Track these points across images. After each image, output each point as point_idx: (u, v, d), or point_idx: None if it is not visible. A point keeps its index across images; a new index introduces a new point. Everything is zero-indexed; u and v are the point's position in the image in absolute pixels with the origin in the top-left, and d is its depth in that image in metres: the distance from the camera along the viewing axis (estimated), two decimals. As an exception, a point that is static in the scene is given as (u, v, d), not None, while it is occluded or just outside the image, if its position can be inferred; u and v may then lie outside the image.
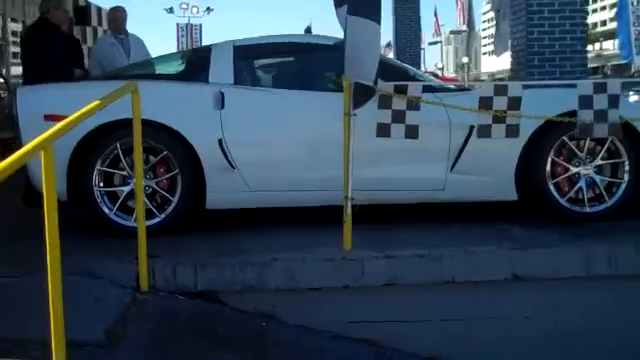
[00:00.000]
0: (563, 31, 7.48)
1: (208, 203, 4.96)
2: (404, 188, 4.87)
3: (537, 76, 7.50)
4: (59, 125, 3.12)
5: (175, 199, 4.93)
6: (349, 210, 4.22)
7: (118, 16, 6.96)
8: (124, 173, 4.95)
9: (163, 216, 4.93)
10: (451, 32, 53.32)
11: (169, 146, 4.87)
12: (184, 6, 33.77)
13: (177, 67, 5.59)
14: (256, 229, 5.00)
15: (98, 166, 4.88)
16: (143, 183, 4.29)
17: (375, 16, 3.90)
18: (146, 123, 4.82)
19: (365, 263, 4.18)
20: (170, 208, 4.94)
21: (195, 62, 5.42)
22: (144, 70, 5.81)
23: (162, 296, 4.17)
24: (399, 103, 4.28)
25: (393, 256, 4.18)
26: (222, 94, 4.93)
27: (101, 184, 4.94)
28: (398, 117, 4.29)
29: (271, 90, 5.11)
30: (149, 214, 4.93)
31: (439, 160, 4.87)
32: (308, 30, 24.83)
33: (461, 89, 5.28)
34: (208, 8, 36.80)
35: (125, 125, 4.77)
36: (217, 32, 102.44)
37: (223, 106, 4.91)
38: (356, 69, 3.98)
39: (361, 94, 4.09)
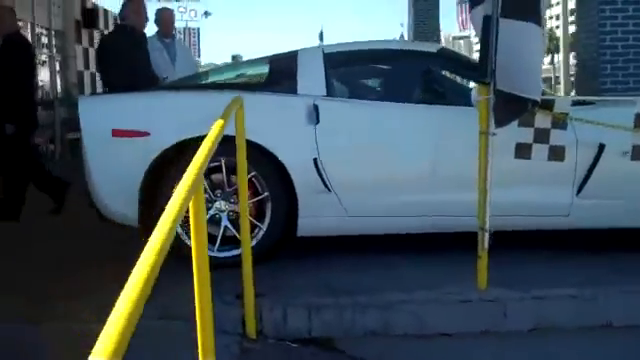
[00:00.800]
0: (638, 38, 7.00)
1: (300, 230, 4.37)
2: (524, 214, 4.32)
3: (609, 85, 7.01)
4: (200, 155, 2.50)
5: (264, 226, 4.34)
6: (486, 243, 3.65)
7: (167, 17, 6.33)
8: (204, 196, 4.35)
9: (252, 244, 4.34)
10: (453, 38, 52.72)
11: (258, 166, 4.28)
12: (182, 9, 32.97)
13: (257, 76, 5.00)
14: (366, 260, 4.39)
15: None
16: (247, 208, 3.70)
17: (534, 17, 3.33)
18: (231, 140, 4.25)
19: (508, 305, 3.62)
20: (258, 236, 4.36)
21: (279, 70, 4.81)
22: (220, 78, 5.22)
23: (272, 344, 3.58)
24: (543, 120, 3.73)
25: (541, 297, 3.63)
26: (316, 107, 4.35)
27: (179, 210, 4.34)
28: (541, 136, 3.75)
29: (371, 103, 4.52)
30: (231, 243, 4.36)
31: (563, 183, 4.33)
32: (321, 35, 24.19)
33: (581, 102, 4.74)
34: (206, 12, 36.03)
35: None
36: (216, 36, 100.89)
37: (318, 121, 4.33)
38: (509, 79, 3.41)
39: (510, 110, 3.51)
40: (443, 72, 4.91)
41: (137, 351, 3.14)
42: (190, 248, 4.24)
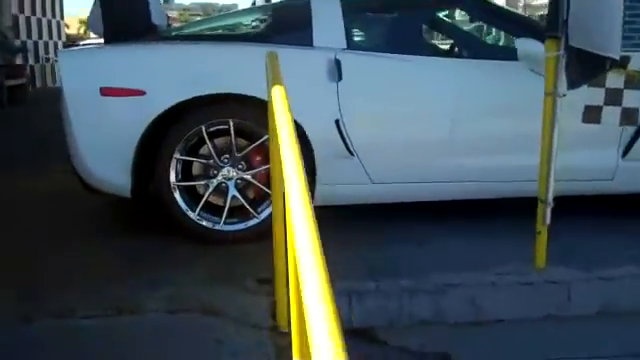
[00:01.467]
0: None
1: (319, 199, 3.84)
2: (567, 178, 3.89)
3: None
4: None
5: (278, 195, 3.81)
6: (547, 218, 3.21)
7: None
8: (209, 162, 3.77)
9: (263, 216, 3.80)
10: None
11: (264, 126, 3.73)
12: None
13: (264, 26, 4.37)
14: (401, 234, 3.89)
15: (177, 155, 3.69)
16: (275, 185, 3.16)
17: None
18: (241, 99, 3.69)
19: (572, 286, 3.20)
20: (271, 208, 3.82)
21: (289, 19, 4.20)
22: (219, 27, 4.58)
23: (308, 337, 3.09)
24: (615, 80, 3.28)
25: (608, 278, 3.22)
26: (338, 62, 3.79)
27: (179, 178, 3.76)
28: (613, 98, 3.29)
29: (399, 57, 3.96)
30: (241, 215, 3.82)
31: (608, 145, 3.92)
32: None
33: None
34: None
35: (211, 102, 3.64)
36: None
37: (340, 77, 3.77)
38: (584, 34, 2.91)
39: (585, 69, 3.02)
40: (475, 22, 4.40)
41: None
42: (205, 227, 3.77)
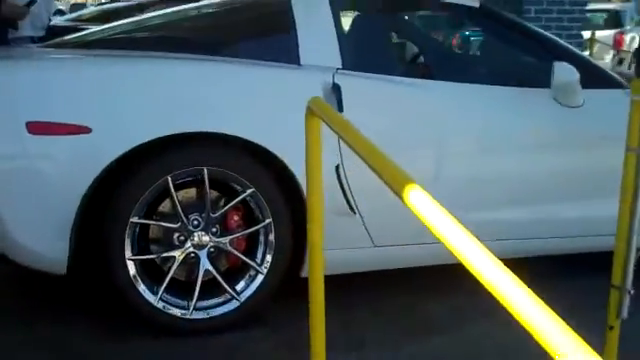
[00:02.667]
0: None
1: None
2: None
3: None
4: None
5: (264, 267, 2.94)
6: (625, 310, 2.47)
7: None
8: (175, 226, 2.86)
9: (245, 297, 2.93)
10: None
11: (256, 179, 2.87)
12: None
13: (222, 31, 3.42)
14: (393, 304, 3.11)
15: (134, 218, 2.77)
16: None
17: None
18: (215, 139, 2.83)
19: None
20: (254, 284, 2.94)
21: (260, 23, 3.36)
22: (159, 28, 3.61)
23: None
24: None
25: None
26: (337, 88, 3.00)
27: (135, 248, 2.83)
28: None
29: (409, 81, 3.19)
30: (211, 295, 2.93)
31: None
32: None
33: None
34: None
35: (176, 143, 2.78)
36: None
37: (341, 108, 2.99)
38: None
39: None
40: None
41: None
42: (170, 315, 2.84)
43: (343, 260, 3.10)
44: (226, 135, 2.79)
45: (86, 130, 2.69)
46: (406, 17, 3.86)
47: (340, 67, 3.07)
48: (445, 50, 3.73)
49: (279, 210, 2.90)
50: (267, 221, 2.90)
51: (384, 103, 3.06)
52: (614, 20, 19.80)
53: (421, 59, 3.58)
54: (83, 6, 21.28)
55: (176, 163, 2.76)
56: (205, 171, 2.79)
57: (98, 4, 14.27)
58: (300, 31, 3.11)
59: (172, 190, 2.78)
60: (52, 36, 5.81)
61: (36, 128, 2.67)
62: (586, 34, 9.71)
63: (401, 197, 1.39)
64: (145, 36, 3.45)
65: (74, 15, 9.98)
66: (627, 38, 18.12)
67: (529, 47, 3.51)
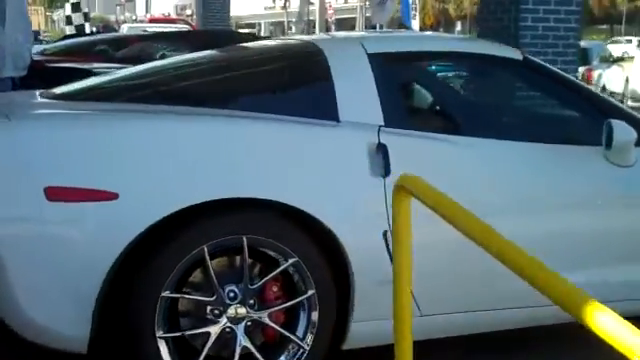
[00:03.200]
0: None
1: (350, 340, 2.77)
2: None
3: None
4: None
5: (307, 342, 2.67)
6: None
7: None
8: (208, 299, 2.58)
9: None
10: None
11: (299, 248, 2.61)
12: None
13: (246, 85, 3.18)
14: None
15: (166, 292, 2.49)
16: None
17: None
18: (249, 204, 2.57)
19: None
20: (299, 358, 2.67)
21: (289, 76, 3.16)
22: (178, 84, 3.28)
23: None
24: None
25: None
26: (383, 148, 2.77)
27: (166, 325, 2.55)
28: None
29: (455, 139, 2.98)
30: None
31: None
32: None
33: None
34: None
35: (212, 209, 2.50)
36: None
37: (388, 171, 2.75)
38: None
39: None
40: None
41: None
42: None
43: (383, 331, 2.85)
44: (267, 201, 2.54)
45: (112, 196, 2.42)
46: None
47: (383, 124, 2.84)
48: (490, 106, 3.52)
49: (323, 280, 2.64)
50: (310, 292, 2.64)
51: (436, 164, 2.83)
52: (582, 57, 20.22)
53: (466, 115, 3.39)
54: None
55: (213, 232, 2.50)
56: (244, 240, 2.53)
57: (61, 38, 13.82)
58: (337, 85, 2.88)
59: (208, 261, 2.50)
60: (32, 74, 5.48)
61: (56, 194, 2.39)
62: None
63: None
64: (167, 89, 3.20)
65: (40, 48, 9.55)
66: (595, 74, 18.60)
67: (576, 102, 3.33)
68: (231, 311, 2.58)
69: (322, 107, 2.85)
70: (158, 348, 2.50)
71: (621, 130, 2.89)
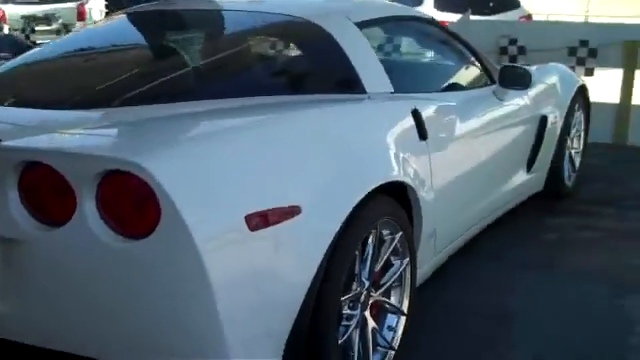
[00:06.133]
0: None
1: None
2: None
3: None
4: None
5: (404, 308, 2.74)
6: None
7: None
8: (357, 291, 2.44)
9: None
10: None
11: (403, 221, 2.67)
12: None
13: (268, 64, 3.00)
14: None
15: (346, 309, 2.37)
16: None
17: None
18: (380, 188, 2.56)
19: None
20: (400, 326, 2.71)
21: (306, 54, 3.10)
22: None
23: None
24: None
25: None
26: (416, 114, 2.91)
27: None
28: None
29: (446, 96, 3.32)
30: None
31: None
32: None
33: None
34: None
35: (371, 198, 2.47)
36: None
37: (425, 135, 2.91)
38: None
39: None
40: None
41: None
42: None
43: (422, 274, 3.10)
44: (399, 182, 2.57)
45: (296, 211, 2.14)
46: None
47: (392, 91, 3.00)
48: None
49: (409, 245, 2.75)
50: (406, 260, 2.73)
51: (445, 122, 3.13)
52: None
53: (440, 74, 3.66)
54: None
55: (373, 220, 2.43)
56: (378, 223, 2.50)
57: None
58: (353, 57, 2.91)
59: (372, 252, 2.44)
60: None
61: (256, 221, 2.02)
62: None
63: None
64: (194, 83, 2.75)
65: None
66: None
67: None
68: (362, 298, 2.52)
69: (348, 82, 2.89)
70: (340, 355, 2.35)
71: None
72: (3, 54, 7.33)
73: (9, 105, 2.50)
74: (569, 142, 4.71)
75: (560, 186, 4.66)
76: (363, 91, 2.88)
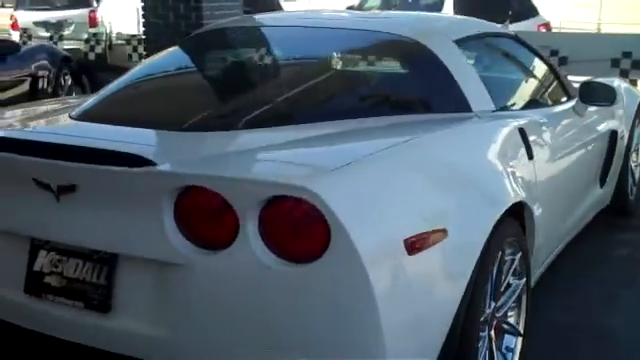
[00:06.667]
0: None
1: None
2: None
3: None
4: None
5: (521, 327, 2.74)
6: None
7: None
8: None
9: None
10: None
11: (522, 241, 2.67)
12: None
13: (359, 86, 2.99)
14: None
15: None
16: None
17: None
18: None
19: None
20: (518, 348, 2.71)
21: (413, 75, 3.06)
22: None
23: None
24: None
25: None
26: (522, 132, 2.91)
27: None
28: None
29: (539, 111, 3.34)
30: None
31: None
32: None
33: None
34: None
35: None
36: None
37: (532, 154, 2.92)
38: None
39: None
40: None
41: None
42: None
43: None
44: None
45: (444, 234, 2.15)
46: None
47: (494, 109, 3.00)
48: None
49: (528, 266, 2.75)
50: (523, 280, 2.73)
51: (544, 137, 3.15)
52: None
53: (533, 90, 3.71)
54: None
55: (504, 241, 2.43)
56: (504, 244, 2.50)
57: None
58: (457, 76, 2.91)
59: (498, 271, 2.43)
60: None
61: (413, 245, 2.02)
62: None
63: None
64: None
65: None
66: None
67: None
68: (488, 318, 2.52)
69: (454, 100, 2.88)
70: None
71: None
72: (43, 63, 7.33)
73: (136, 126, 2.48)
74: (633, 156, 4.73)
75: (625, 200, 4.67)
76: (469, 109, 2.87)
